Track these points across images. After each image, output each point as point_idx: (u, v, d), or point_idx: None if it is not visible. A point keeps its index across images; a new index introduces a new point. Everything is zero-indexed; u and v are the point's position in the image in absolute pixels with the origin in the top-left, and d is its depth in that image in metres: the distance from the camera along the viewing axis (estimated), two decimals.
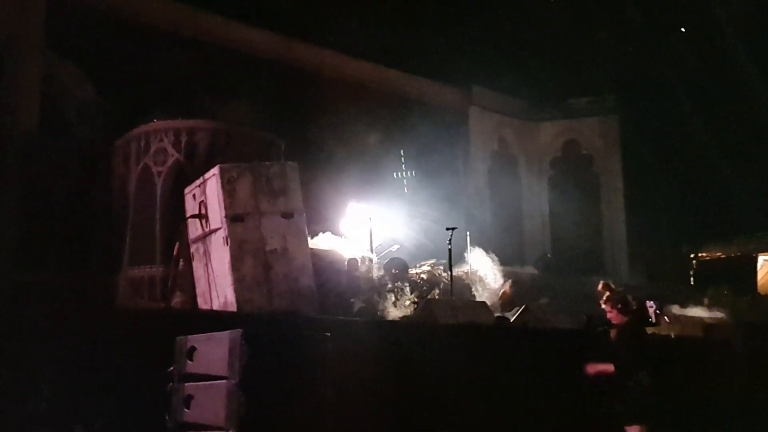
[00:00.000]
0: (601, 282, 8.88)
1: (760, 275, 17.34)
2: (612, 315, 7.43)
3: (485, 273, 11.94)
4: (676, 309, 12.33)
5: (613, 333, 7.52)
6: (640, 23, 18.18)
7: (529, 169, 19.50)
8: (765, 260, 17.71)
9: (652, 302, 10.54)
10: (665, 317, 10.88)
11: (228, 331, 5.12)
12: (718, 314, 12.70)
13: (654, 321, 8.65)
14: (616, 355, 7.16)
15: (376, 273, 11.05)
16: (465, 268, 12.01)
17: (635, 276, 18.37)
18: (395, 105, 16.24)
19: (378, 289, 10.24)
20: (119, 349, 6.07)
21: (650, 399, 6.96)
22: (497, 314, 10.07)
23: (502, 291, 11.53)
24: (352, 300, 9.53)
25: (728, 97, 18.05)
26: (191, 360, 5.37)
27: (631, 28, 18.31)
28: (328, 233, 11.15)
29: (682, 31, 18.54)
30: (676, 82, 18.61)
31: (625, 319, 7.34)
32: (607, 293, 8.06)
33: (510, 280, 11.83)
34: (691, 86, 18.45)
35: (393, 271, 11.39)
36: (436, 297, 10.85)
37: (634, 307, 7.75)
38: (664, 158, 19.37)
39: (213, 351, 5.20)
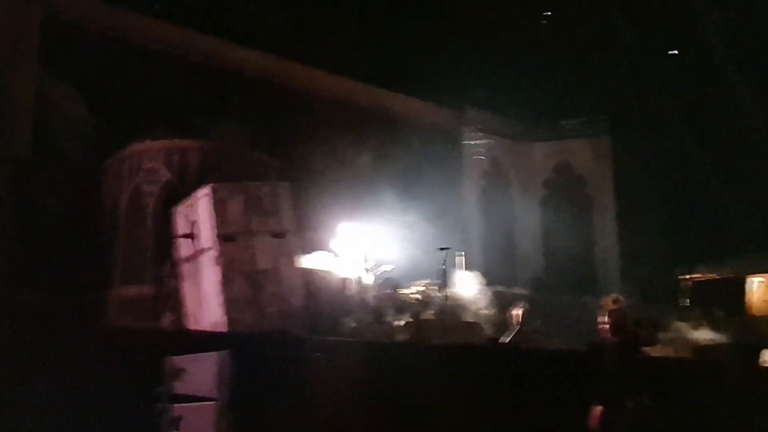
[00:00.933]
0: (614, 295, 8.91)
1: (754, 297, 17.34)
2: (606, 328, 7.43)
3: (474, 294, 11.91)
4: (680, 330, 12.34)
5: (608, 355, 7.49)
6: (632, 45, 18.37)
7: (521, 189, 19.55)
8: (759, 281, 17.73)
9: (648, 323, 10.49)
10: (658, 338, 10.83)
11: (216, 352, 5.08)
12: (712, 336, 12.69)
13: (648, 342, 8.63)
14: (610, 377, 7.12)
15: (370, 293, 11.00)
16: (457, 288, 11.98)
17: (628, 296, 18.29)
18: (388, 125, 16.29)
19: (371, 309, 10.20)
20: (107, 369, 6.00)
21: (651, 421, 6.90)
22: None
23: (514, 312, 11.52)
24: (345, 320, 9.47)
25: (720, 119, 18.21)
26: (179, 381, 5.31)
27: (622, 50, 18.49)
28: (320, 253, 11.10)
29: (673, 53, 18.74)
30: (667, 103, 18.76)
31: (615, 339, 7.32)
32: (612, 307, 8.05)
33: (523, 302, 11.84)
34: (683, 108, 18.61)
35: (386, 291, 11.35)
36: (430, 317, 10.81)
37: (628, 328, 7.71)
38: (656, 179, 19.45)
39: (201, 372, 5.15)
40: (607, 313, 7.59)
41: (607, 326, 7.35)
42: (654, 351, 10.82)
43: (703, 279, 18.76)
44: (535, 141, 19.65)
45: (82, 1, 13.06)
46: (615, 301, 8.32)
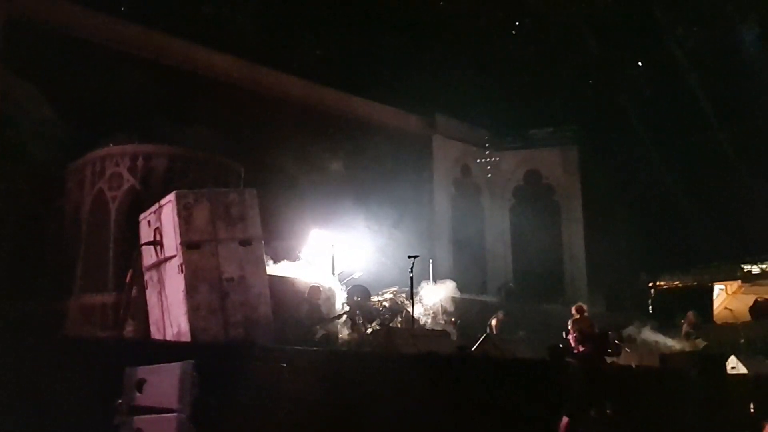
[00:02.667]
0: (578, 304, 8.91)
1: (715, 304, 17.64)
2: (571, 338, 7.41)
3: (443, 301, 11.91)
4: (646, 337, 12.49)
5: (573, 362, 7.48)
6: (599, 57, 18.63)
7: (491, 197, 19.69)
8: (720, 289, 18.05)
9: (611, 332, 10.58)
10: (626, 347, 10.94)
11: (179, 362, 4.96)
12: (677, 343, 12.87)
13: (613, 351, 8.65)
14: (575, 385, 7.12)
15: (338, 301, 10.91)
16: (427, 296, 11.96)
17: (595, 304, 18.54)
18: (359, 132, 16.26)
19: (340, 317, 10.12)
20: (66, 380, 5.83)
21: (612, 429, 6.90)
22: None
23: (495, 320, 11.53)
24: (312, 328, 9.37)
25: (684, 128, 18.54)
26: (140, 392, 5.19)
27: (590, 61, 18.75)
28: (288, 260, 10.99)
29: (638, 65, 19.05)
30: (634, 114, 19.06)
31: (583, 348, 7.31)
32: (577, 316, 8.04)
33: (502, 310, 11.89)
34: (649, 118, 18.92)
35: (355, 298, 11.28)
36: (398, 325, 10.77)
37: (595, 337, 7.71)
38: (623, 188, 19.73)
39: (163, 382, 5.02)
40: (571, 323, 7.56)
41: (574, 336, 7.33)
42: (620, 359, 10.94)
43: (668, 287, 19.05)
44: (505, 150, 19.82)
45: (48, 2, 12.78)
46: (579, 311, 8.32)
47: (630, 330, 12.90)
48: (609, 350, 7.96)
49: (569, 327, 7.67)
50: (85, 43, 12.67)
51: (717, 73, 17.63)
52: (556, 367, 8.26)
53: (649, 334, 13.11)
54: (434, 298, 11.86)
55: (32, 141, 11.76)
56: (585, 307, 8.68)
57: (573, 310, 8.71)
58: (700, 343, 12.28)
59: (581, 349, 7.39)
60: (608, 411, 7.05)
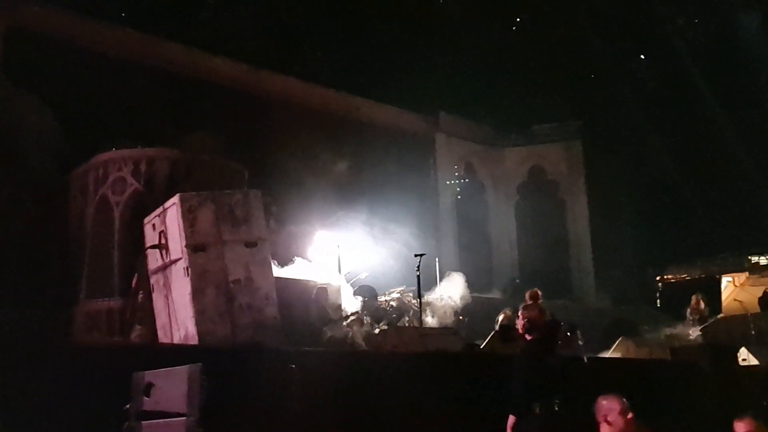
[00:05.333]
0: (533, 289, 8.48)
1: (723, 296, 17.55)
2: (520, 324, 6.93)
3: (450, 299, 11.86)
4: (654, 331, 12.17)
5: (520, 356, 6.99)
6: (601, 51, 18.58)
7: (496, 194, 19.64)
8: (728, 281, 17.95)
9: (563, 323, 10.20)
10: (579, 340, 10.72)
11: (186, 366, 4.90)
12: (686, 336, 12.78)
13: (563, 343, 8.14)
14: (521, 380, 6.61)
15: (345, 301, 10.88)
16: (435, 294, 11.92)
17: (602, 299, 18.50)
18: (362, 132, 16.25)
19: (348, 318, 10.08)
20: (73, 386, 5.79)
21: (560, 428, 6.36)
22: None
23: (503, 317, 11.44)
24: (320, 329, 9.33)
25: (689, 122, 18.49)
26: (148, 397, 5.13)
27: (592, 55, 18.70)
28: (294, 261, 10.96)
29: (641, 58, 19.00)
30: (637, 107, 19.00)
31: (529, 337, 6.77)
32: (530, 302, 7.65)
33: (509, 307, 11.79)
34: (653, 112, 18.86)
35: (362, 298, 11.25)
36: (406, 324, 10.74)
37: (543, 327, 7.14)
38: (628, 182, 19.68)
39: (171, 387, 4.97)
40: (522, 309, 7.01)
41: (522, 324, 6.80)
42: (630, 353, 10.88)
43: (675, 280, 18.97)
44: (508, 146, 19.79)
45: (49, 10, 12.78)
46: (533, 296, 7.95)
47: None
48: (559, 342, 7.41)
49: (519, 313, 7.13)
50: (86, 50, 12.68)
51: (721, 65, 17.57)
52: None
53: (654, 327, 13.01)
54: (443, 294, 11.83)
55: (35, 148, 11.76)
56: (540, 293, 8.22)
57: (527, 296, 8.27)
58: (694, 332, 11.98)
59: (528, 338, 6.84)
60: (556, 408, 6.47)
